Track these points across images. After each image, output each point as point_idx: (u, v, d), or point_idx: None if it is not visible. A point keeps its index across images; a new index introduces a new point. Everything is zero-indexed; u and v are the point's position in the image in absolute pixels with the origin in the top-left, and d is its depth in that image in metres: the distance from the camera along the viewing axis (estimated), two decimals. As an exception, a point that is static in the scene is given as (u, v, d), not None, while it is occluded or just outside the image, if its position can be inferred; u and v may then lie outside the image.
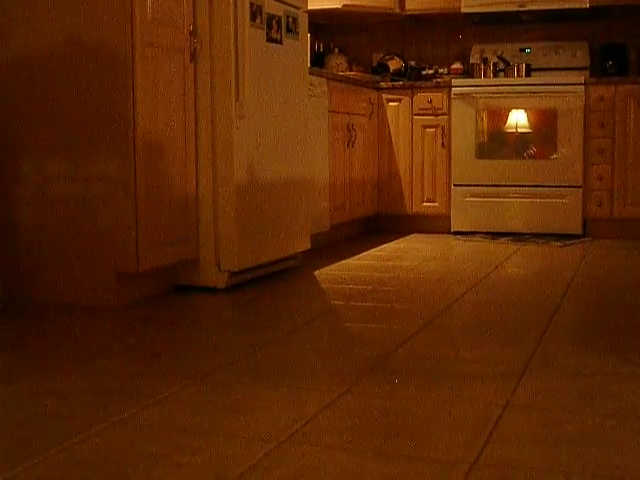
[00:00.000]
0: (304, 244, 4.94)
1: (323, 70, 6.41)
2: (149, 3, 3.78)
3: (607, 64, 6.81)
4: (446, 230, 6.73)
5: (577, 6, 6.71)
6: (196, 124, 4.14)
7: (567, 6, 6.74)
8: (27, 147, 3.90)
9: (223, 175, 4.14)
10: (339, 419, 2.29)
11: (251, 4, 4.19)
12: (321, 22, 7.16)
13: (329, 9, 6.91)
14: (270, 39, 4.43)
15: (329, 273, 4.82)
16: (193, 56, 4.09)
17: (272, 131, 4.49)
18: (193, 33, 4.09)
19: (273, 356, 2.98)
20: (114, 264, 3.79)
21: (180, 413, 2.34)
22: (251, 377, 2.70)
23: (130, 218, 3.75)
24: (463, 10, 6.93)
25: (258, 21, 4.29)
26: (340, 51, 7.35)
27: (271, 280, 4.52)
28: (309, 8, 5.13)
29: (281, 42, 4.55)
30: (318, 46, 7.22)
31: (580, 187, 6.43)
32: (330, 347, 3.14)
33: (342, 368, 2.81)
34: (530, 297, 4.13)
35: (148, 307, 3.85)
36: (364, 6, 7.01)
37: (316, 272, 4.82)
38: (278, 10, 4.51)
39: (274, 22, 4.45)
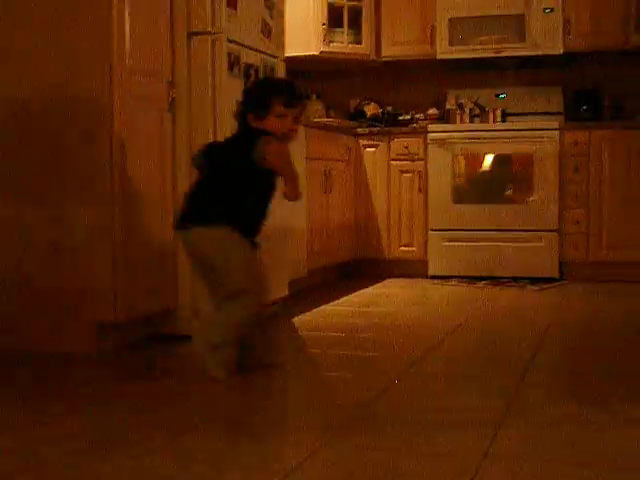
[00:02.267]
0: (282, 291, 4.94)
1: (300, 117, 6.44)
2: (128, 53, 3.81)
3: (581, 109, 6.89)
4: (423, 274, 6.75)
5: (551, 52, 6.81)
6: (174, 172, 4.16)
7: (542, 52, 6.84)
8: (6, 194, 3.90)
9: (201, 223, 4.15)
10: (318, 472, 2.29)
11: (229, 54, 4.23)
12: (298, 69, 7.20)
13: (306, 56, 6.95)
14: (248, 88, 4.46)
15: (307, 320, 4.82)
16: (171, 105, 4.12)
17: (250, 179, 4.51)
18: (172, 83, 4.12)
19: (252, 407, 2.98)
20: (93, 313, 3.79)
21: (162, 466, 2.33)
22: (231, 429, 2.70)
23: (109, 267, 3.76)
24: (439, 56, 7.01)
25: (236, 71, 4.33)
26: (318, 97, 7.39)
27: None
28: (287, 55, 5.18)
29: (259, 91, 4.58)
30: (295, 92, 7.26)
31: (556, 231, 6.48)
32: (309, 397, 3.14)
33: (321, 419, 2.81)
34: (507, 343, 4.15)
35: (128, 356, 3.83)
36: (341, 53, 7.07)
37: (294, 319, 4.82)
38: (256, 60, 4.55)
39: (252, 71, 4.49)
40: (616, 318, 4.84)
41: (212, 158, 3.49)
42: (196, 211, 3.44)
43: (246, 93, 3.54)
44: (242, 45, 4.40)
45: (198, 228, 3.40)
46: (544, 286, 6.16)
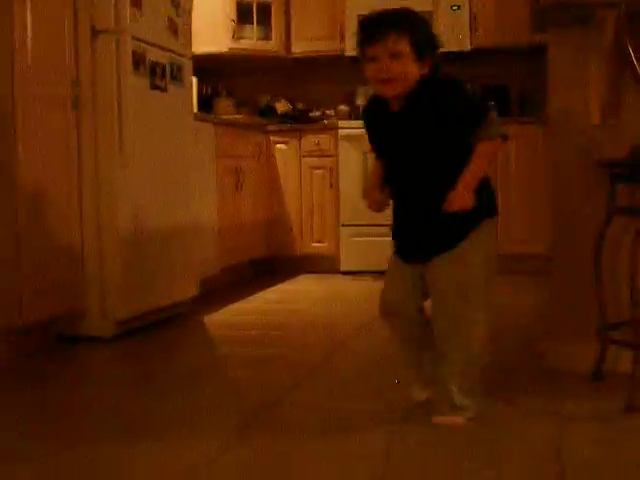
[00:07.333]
0: (192, 290, 4.92)
1: (209, 115, 6.42)
2: (30, 52, 3.75)
3: (489, 105, 6.98)
4: (335, 270, 6.79)
5: (459, 49, 6.90)
6: (79, 173, 4.11)
7: (450, 48, 6.90)
8: None
9: (107, 223, 4.12)
10: (218, 476, 2.29)
11: (134, 52, 4.19)
12: (208, 66, 7.18)
13: (215, 53, 6.95)
14: (154, 87, 4.43)
15: (218, 319, 4.81)
16: (75, 105, 4.07)
17: (157, 178, 4.49)
18: (76, 81, 4.06)
19: (157, 409, 2.96)
20: (-4, 317, 3.73)
21: (63, 474, 2.30)
22: (134, 432, 2.68)
23: (12, 268, 3.69)
24: (348, 53, 7.04)
25: (141, 69, 4.29)
26: (228, 94, 7.37)
27: (159, 328, 4.48)
28: (195, 52, 5.15)
29: (165, 90, 4.56)
30: (206, 90, 7.22)
31: (465, 226, 6.56)
32: (214, 398, 3.12)
33: (225, 421, 2.80)
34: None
35: (33, 360, 3.77)
36: (250, 49, 7.07)
37: (205, 318, 4.81)
38: (162, 58, 4.52)
39: (158, 70, 4.46)
40: (523, 311, 4.88)
41: None
42: None
43: None
44: (148, 43, 4.38)
45: None
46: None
